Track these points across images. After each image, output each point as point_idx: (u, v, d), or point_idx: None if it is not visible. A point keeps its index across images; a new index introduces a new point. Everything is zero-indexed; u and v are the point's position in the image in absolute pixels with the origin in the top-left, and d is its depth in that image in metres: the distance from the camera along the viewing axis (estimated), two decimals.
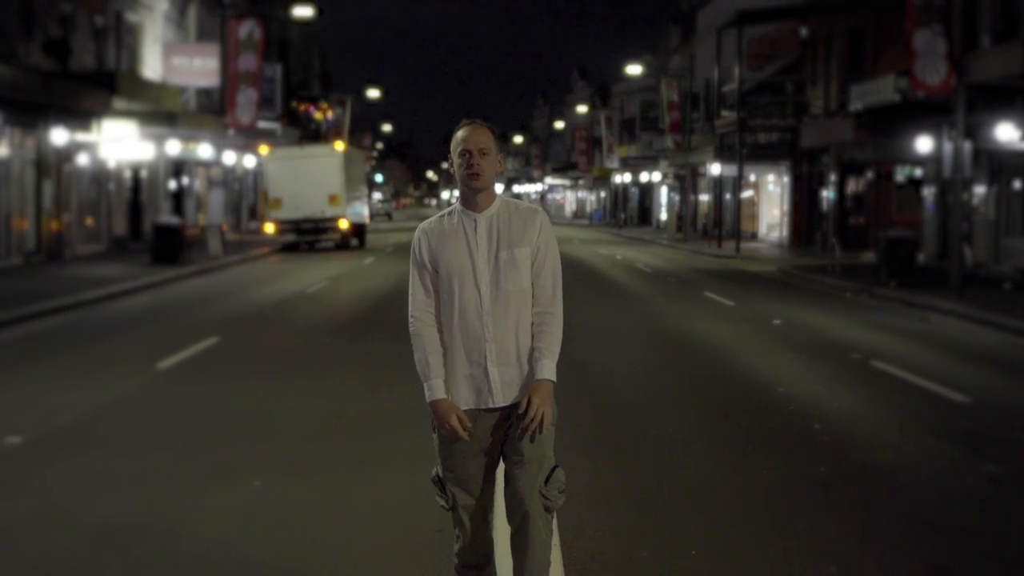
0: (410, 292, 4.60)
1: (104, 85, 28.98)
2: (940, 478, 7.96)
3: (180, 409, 10.35)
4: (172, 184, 40.71)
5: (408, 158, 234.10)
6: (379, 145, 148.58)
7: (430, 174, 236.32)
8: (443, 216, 4.61)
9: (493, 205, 4.56)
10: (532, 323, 4.51)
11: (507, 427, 4.52)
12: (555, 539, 5.49)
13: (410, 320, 4.57)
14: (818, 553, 6.16)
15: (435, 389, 4.48)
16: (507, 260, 4.47)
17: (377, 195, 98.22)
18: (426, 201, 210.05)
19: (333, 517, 6.85)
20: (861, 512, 7.00)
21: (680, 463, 8.23)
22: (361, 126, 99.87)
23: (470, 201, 4.54)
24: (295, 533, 6.51)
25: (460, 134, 4.52)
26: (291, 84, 59.18)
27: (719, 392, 11.28)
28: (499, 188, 4.80)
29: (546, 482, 4.45)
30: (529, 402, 4.42)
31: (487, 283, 4.46)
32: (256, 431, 9.36)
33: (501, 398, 4.49)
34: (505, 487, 4.52)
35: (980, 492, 7.62)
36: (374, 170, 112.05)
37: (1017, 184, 26.84)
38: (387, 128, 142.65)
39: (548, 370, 4.46)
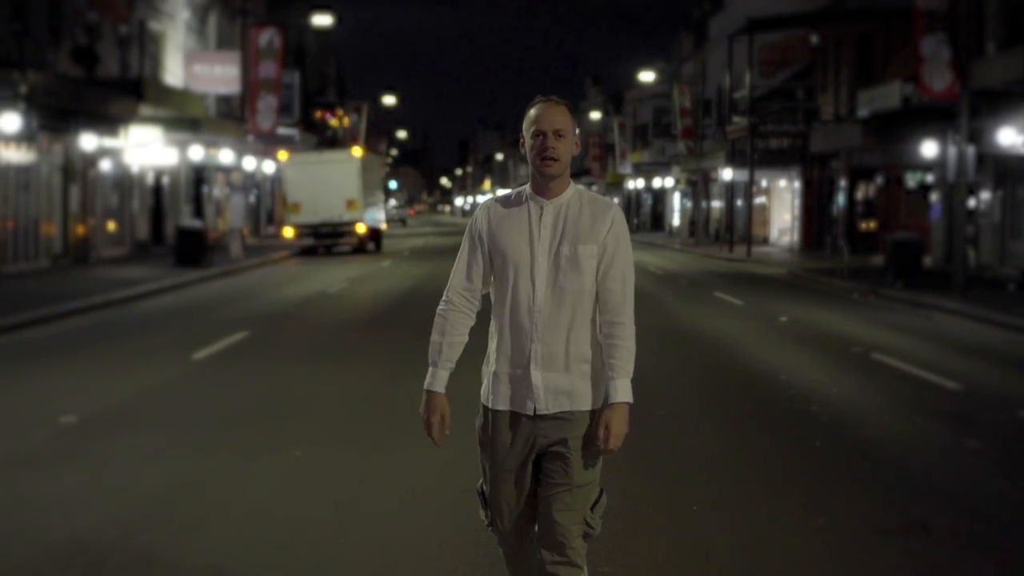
0: (453, 270, 4.24)
1: (131, 92, 29.80)
2: (926, 451, 8.63)
3: (218, 392, 11.07)
4: (196, 189, 41.57)
5: (422, 164, 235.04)
6: (393, 152, 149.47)
7: (444, 180, 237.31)
8: (510, 196, 4.21)
9: (565, 193, 4.12)
10: (600, 332, 4.10)
11: (552, 444, 4.09)
12: None
13: (442, 300, 4.22)
14: (808, 509, 6.83)
15: (435, 379, 4.16)
16: (569, 256, 4.05)
17: (392, 201, 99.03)
18: (439, 208, 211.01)
19: (368, 481, 7.55)
20: (850, 478, 7.68)
21: (686, 438, 8.91)
22: (376, 132, 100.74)
23: (540, 187, 4.11)
24: (334, 495, 7.20)
25: (533, 113, 4.08)
26: (308, 91, 60.02)
27: (725, 379, 11.95)
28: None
29: (592, 508, 4.13)
30: (607, 430, 4.00)
31: (543, 278, 4.05)
32: (292, 411, 10.08)
33: (544, 405, 4.06)
34: (543, 510, 4.12)
35: (962, 463, 8.28)
36: (388, 176, 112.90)
37: (1021, 188, 27.41)
38: (402, 135, 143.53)
39: (624, 391, 4.02)
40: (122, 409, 10.21)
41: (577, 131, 4.11)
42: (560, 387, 4.05)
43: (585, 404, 4.10)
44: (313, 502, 7.04)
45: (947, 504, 7.10)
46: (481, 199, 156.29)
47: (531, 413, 4.07)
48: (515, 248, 4.08)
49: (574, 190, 4.14)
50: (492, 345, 4.19)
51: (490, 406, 4.16)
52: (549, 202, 4.10)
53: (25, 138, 25.81)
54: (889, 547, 6.16)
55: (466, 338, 4.23)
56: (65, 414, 9.77)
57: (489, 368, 4.18)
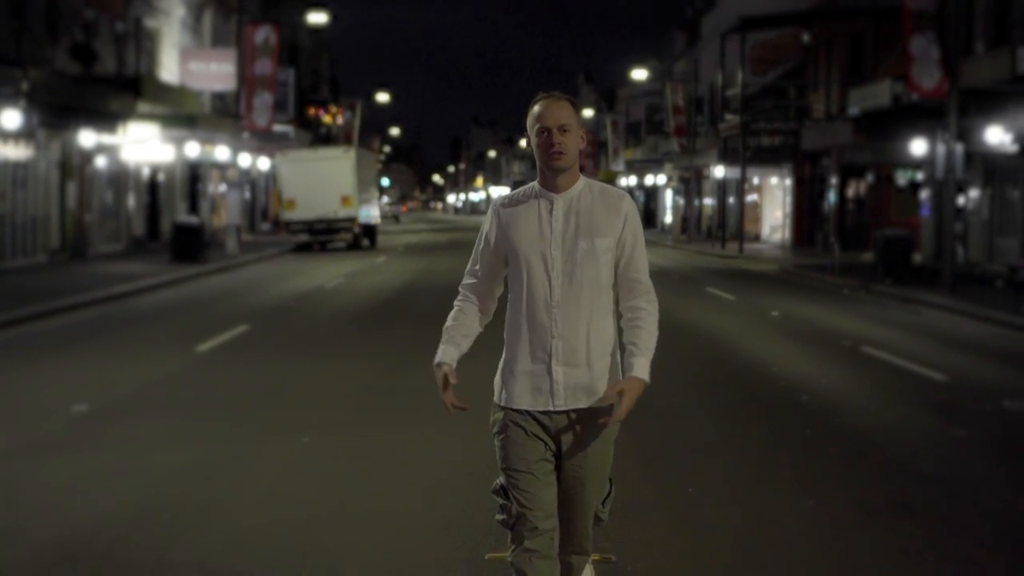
0: (468, 266, 4.29)
1: (130, 89, 30.02)
2: (912, 438, 8.94)
3: (224, 382, 11.34)
4: (192, 186, 41.81)
5: (415, 162, 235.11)
6: (386, 149, 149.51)
7: (436, 178, 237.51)
8: (518, 194, 4.21)
9: (575, 186, 4.15)
10: (623, 317, 4.14)
11: (570, 441, 4.09)
12: None
13: (458, 296, 4.29)
14: (799, 492, 7.13)
15: (444, 352, 4.14)
16: (586, 250, 4.06)
17: (385, 198, 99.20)
18: (432, 205, 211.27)
19: (375, 466, 7.84)
20: (839, 463, 7.99)
21: (682, 426, 9.22)
22: (369, 129, 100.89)
23: (549, 182, 4.13)
24: (342, 479, 7.48)
25: (536, 110, 4.09)
26: (302, 88, 60.20)
27: (718, 372, 12.25)
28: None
29: (603, 502, 4.23)
30: (621, 396, 3.97)
31: (559, 272, 4.06)
32: (296, 400, 10.37)
33: (563, 401, 4.05)
34: (559, 503, 4.14)
35: (947, 449, 8.59)
36: (381, 173, 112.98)
37: (1009, 186, 27.77)
38: (395, 132, 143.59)
39: (642, 368, 4.03)
40: (131, 399, 10.48)
41: (583, 126, 4.12)
42: (580, 383, 4.04)
43: (603, 400, 4.08)
44: (320, 487, 7.32)
45: (932, 487, 7.40)
46: (473, 196, 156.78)
47: (550, 409, 4.05)
48: (527, 245, 4.07)
49: (584, 182, 4.16)
50: (506, 343, 4.16)
51: (508, 405, 4.10)
52: (559, 196, 4.11)
53: (24, 135, 26.04)
54: (876, 527, 6.45)
55: (477, 327, 4.25)
56: (76, 403, 10.03)
57: (505, 367, 4.15)
